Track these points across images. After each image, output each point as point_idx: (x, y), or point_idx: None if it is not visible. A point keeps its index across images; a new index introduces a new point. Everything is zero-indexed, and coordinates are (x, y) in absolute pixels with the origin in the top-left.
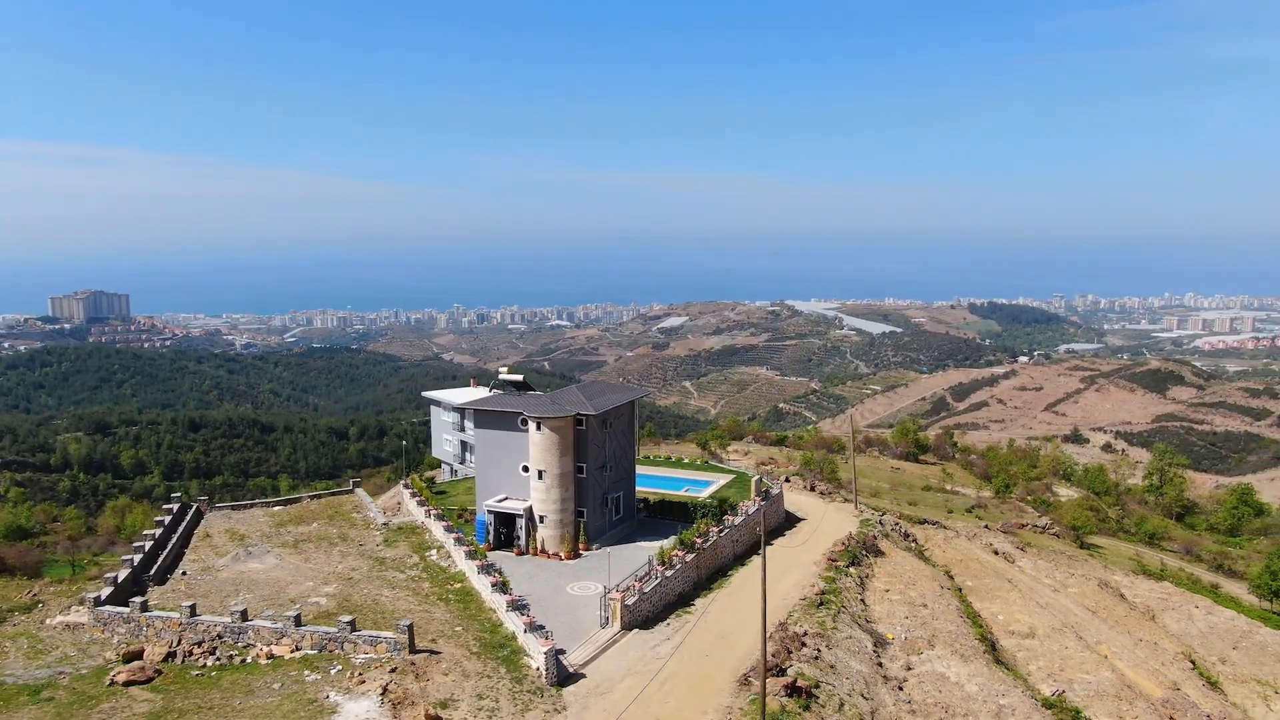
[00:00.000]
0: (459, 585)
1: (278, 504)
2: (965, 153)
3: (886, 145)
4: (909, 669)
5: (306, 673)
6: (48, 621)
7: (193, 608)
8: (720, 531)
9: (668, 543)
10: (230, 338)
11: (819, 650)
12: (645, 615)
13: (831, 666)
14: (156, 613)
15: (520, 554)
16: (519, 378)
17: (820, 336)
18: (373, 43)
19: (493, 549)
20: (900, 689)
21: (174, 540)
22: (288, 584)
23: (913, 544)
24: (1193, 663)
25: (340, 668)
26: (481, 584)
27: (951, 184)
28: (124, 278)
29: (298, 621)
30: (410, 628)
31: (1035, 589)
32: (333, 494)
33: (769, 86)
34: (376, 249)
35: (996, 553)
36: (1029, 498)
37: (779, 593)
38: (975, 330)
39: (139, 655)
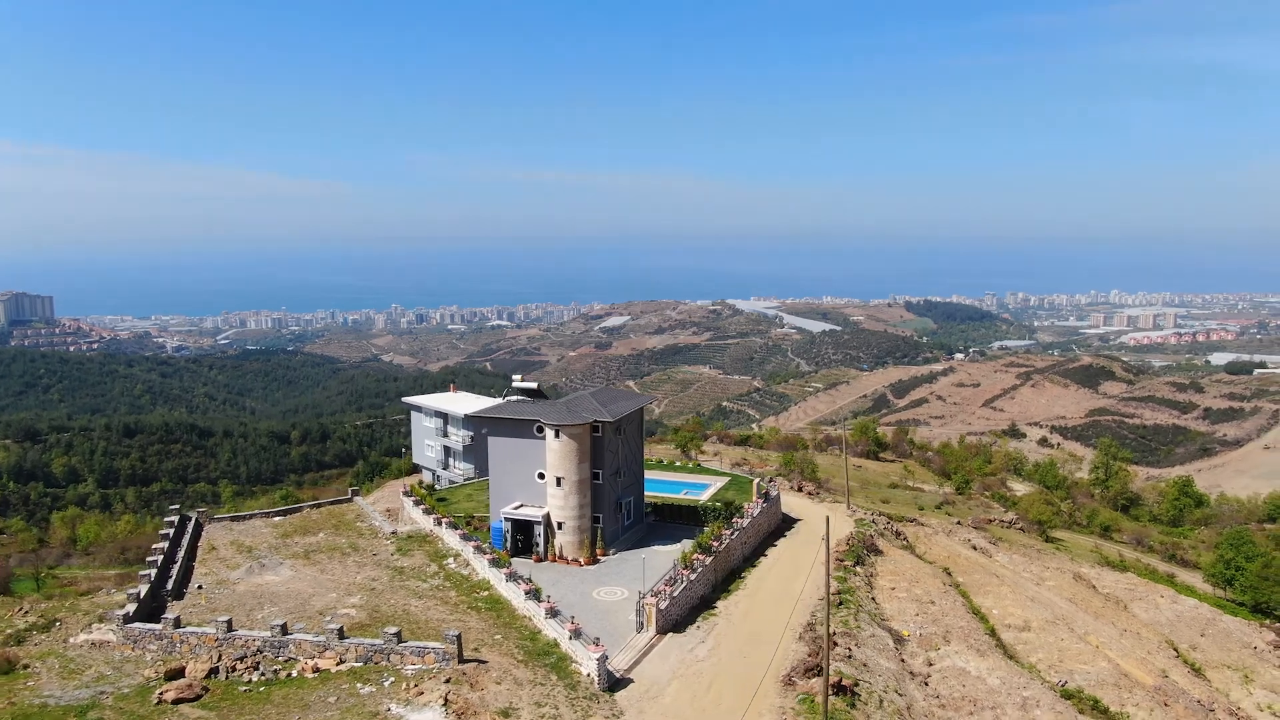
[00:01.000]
0: (486, 593)
1: (278, 514)
2: (898, 153)
3: (820, 147)
4: (930, 665)
5: (359, 685)
6: (71, 640)
7: (229, 623)
8: (731, 534)
9: (686, 546)
10: (161, 340)
11: (850, 649)
12: (675, 619)
13: (864, 664)
14: (190, 629)
15: (539, 560)
16: (533, 385)
17: (761, 335)
18: (302, 40)
19: (510, 556)
20: (926, 684)
21: (181, 554)
22: (310, 596)
23: (904, 542)
24: (1175, 650)
25: (392, 680)
26: (511, 592)
27: (886, 184)
28: (47, 279)
29: (341, 634)
30: (459, 637)
31: (1020, 583)
32: (333, 503)
33: (705, 87)
34: (311, 248)
35: (975, 548)
36: (987, 493)
37: (796, 593)
38: (912, 328)
39: (181, 672)
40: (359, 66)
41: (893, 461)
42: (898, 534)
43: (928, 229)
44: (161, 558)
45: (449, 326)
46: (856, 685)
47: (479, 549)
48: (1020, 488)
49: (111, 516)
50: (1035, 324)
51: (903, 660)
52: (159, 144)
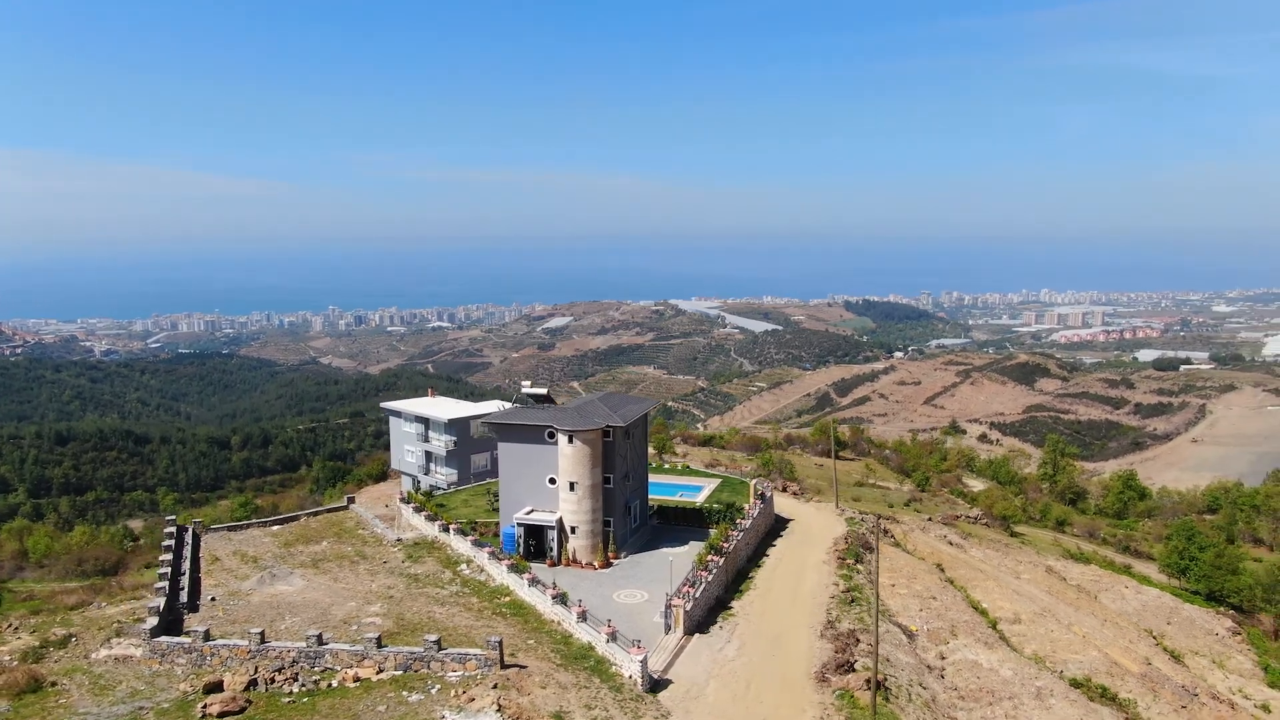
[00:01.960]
0: (507, 599)
1: (274, 523)
2: (834, 156)
3: (757, 149)
4: (943, 658)
5: (404, 693)
6: (92, 656)
7: (261, 634)
8: (738, 535)
9: (694, 548)
10: (88, 344)
11: (872, 646)
12: (698, 620)
13: (887, 660)
14: (221, 641)
15: (553, 564)
16: (542, 391)
17: (704, 335)
18: (237, 38)
19: (522, 561)
20: (942, 677)
21: (186, 565)
22: (330, 605)
23: (893, 540)
24: (1154, 639)
25: (439, 687)
26: (535, 597)
27: (822, 185)
28: None
29: (379, 643)
30: (500, 643)
31: (1003, 577)
32: (330, 510)
33: (645, 89)
34: (244, 249)
35: (951, 544)
36: (944, 490)
37: (806, 592)
38: (851, 327)
39: (219, 686)
40: (294, 65)
41: (853, 460)
42: (885, 532)
43: (864, 229)
44: (169, 570)
45: (388, 328)
46: (885, 680)
47: (494, 555)
48: (975, 484)
49: (59, 527)
50: (970, 322)
51: (917, 654)
52: (85, 141)
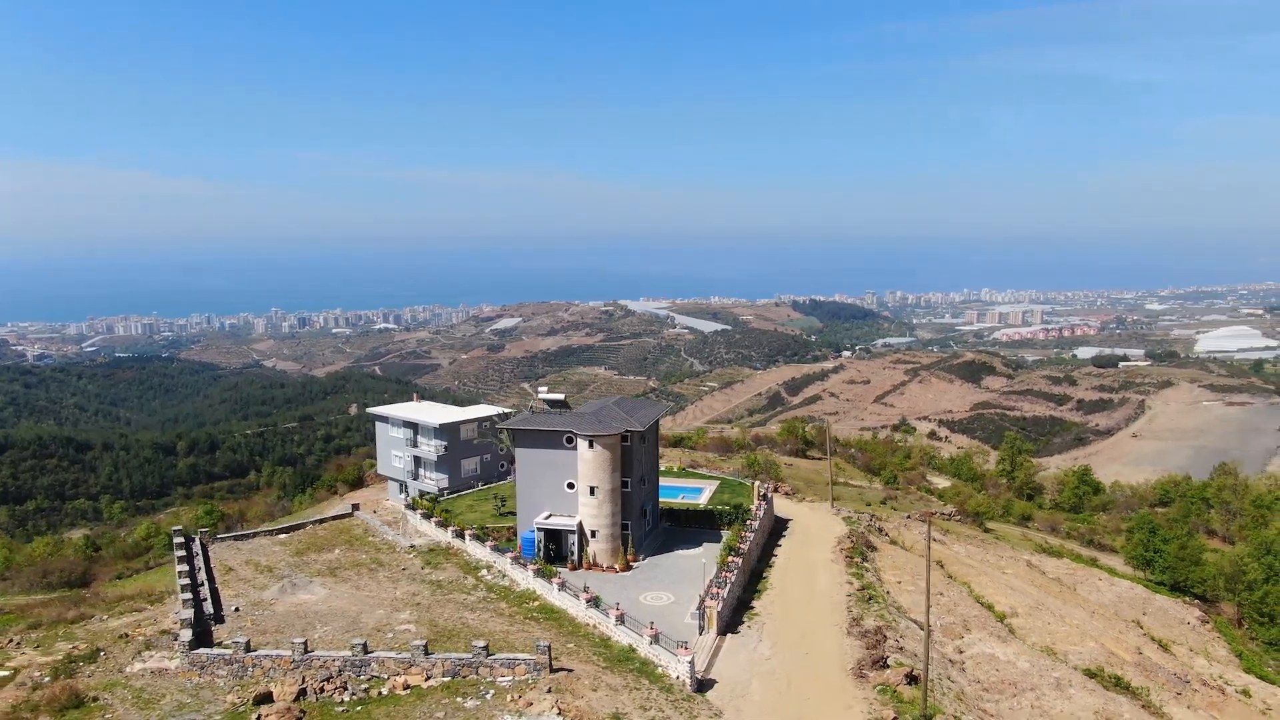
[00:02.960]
0: (536, 603)
1: (280, 531)
2: (777, 156)
3: (700, 149)
4: (960, 652)
5: (459, 699)
6: (126, 669)
7: (305, 644)
8: (751, 536)
9: (709, 550)
10: (20, 348)
11: (899, 642)
12: (726, 620)
13: (915, 655)
14: (264, 651)
15: (574, 568)
16: (560, 397)
17: (654, 335)
18: (175, 34)
19: (548, 566)
20: (964, 670)
21: (202, 576)
22: (357, 614)
23: (888, 538)
24: (1142, 629)
25: (493, 692)
26: (565, 601)
27: (763, 186)
28: None
29: (426, 650)
30: (549, 648)
31: (991, 573)
32: (336, 518)
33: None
34: (183, 250)
35: (935, 541)
36: (911, 487)
37: (822, 591)
38: (799, 326)
39: (269, 697)
40: (232, 62)
41: (820, 459)
42: (880, 530)
43: (807, 230)
44: (187, 581)
45: (333, 330)
46: (919, 674)
47: (517, 560)
48: (938, 480)
49: (16, 537)
50: (914, 321)
51: (937, 649)
52: (10, 139)
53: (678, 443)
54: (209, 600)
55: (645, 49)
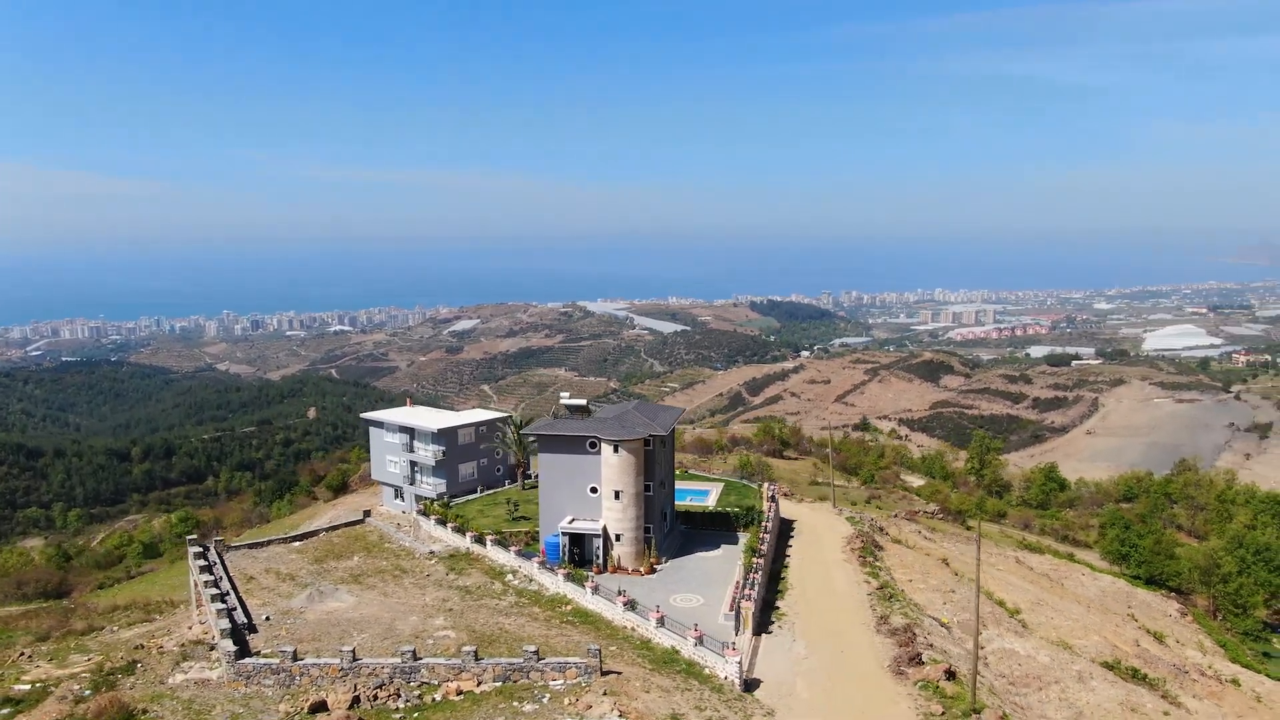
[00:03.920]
0: (569, 607)
1: (295, 539)
2: (729, 157)
3: (655, 150)
4: (983, 648)
5: (515, 704)
6: (168, 681)
7: (353, 652)
8: (767, 538)
9: (728, 551)
10: None
11: (929, 639)
12: (758, 621)
13: (945, 651)
14: (311, 660)
15: (599, 571)
16: (582, 402)
17: (614, 336)
18: (114, 30)
19: (578, 570)
20: (988, 665)
21: (227, 585)
22: (391, 620)
23: (889, 538)
24: (1137, 622)
25: (549, 696)
26: (600, 604)
27: (720, 186)
28: None
29: (476, 655)
30: (599, 651)
31: (989, 570)
32: (348, 525)
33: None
34: (129, 252)
35: (925, 539)
36: (887, 485)
37: (841, 590)
38: (757, 327)
39: (323, 705)
40: (176, 60)
41: (797, 459)
42: (881, 529)
43: (763, 229)
44: (216, 591)
45: (287, 333)
46: (955, 671)
47: (544, 565)
48: (912, 479)
49: None
50: (870, 321)
51: (960, 646)
52: None
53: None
54: (238, 609)
55: (600, 47)
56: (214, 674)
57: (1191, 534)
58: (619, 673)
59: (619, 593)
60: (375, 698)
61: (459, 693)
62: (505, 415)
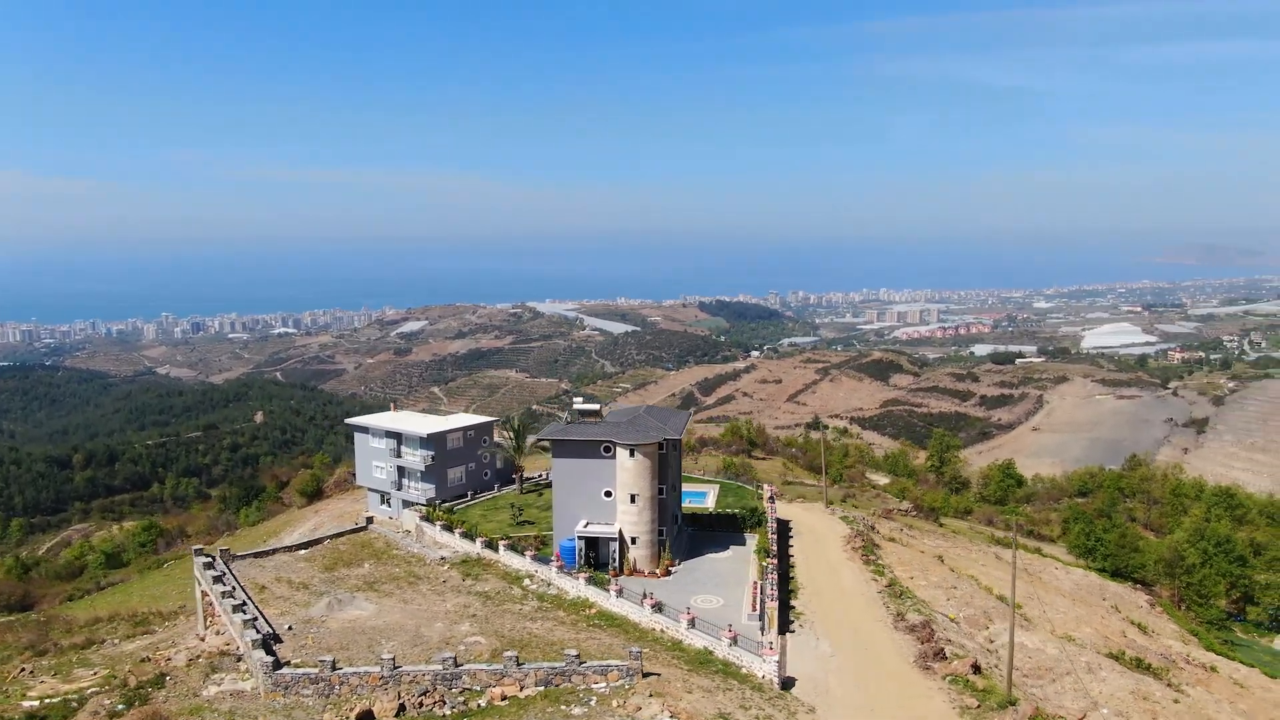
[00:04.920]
0: (593, 610)
1: (299, 547)
2: (677, 158)
3: (604, 151)
4: (992, 641)
5: (564, 707)
6: (201, 694)
7: (394, 660)
8: (774, 539)
9: (738, 552)
10: None
11: (947, 635)
12: (780, 620)
13: (963, 646)
14: (349, 669)
15: (615, 574)
16: (595, 407)
17: (564, 337)
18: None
19: (599, 574)
20: (999, 658)
21: (242, 595)
22: (416, 627)
23: (883, 536)
24: (1120, 614)
25: (596, 699)
26: (624, 607)
27: (667, 187)
28: None
29: (518, 661)
30: (640, 654)
31: (975, 566)
32: (352, 531)
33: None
34: (59, 253)
35: (909, 536)
36: (856, 484)
37: (850, 589)
38: (707, 327)
39: (370, 715)
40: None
41: (765, 459)
42: (873, 528)
43: (710, 230)
44: (236, 601)
45: (229, 335)
46: (980, 665)
47: (563, 569)
48: (877, 477)
49: None
50: (817, 320)
51: (972, 640)
52: None
53: None
54: (258, 619)
55: (548, 47)
56: (247, 685)
57: (1147, 527)
58: (659, 674)
59: (644, 595)
60: (420, 705)
61: (504, 698)
62: (498, 419)
